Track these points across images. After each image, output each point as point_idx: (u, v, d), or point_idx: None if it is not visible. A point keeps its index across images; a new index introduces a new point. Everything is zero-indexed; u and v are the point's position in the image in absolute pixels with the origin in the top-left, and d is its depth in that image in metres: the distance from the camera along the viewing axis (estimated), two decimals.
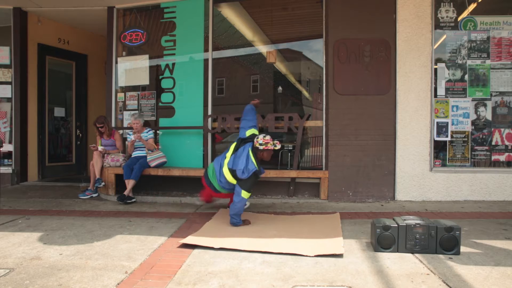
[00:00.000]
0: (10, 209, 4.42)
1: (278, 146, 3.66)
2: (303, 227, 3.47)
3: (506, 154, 4.89)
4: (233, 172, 3.59)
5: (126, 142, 5.52)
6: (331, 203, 4.71)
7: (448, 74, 4.90)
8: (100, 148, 5.25)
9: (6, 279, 2.34)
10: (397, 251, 2.77)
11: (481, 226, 3.53)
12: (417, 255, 2.73)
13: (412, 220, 2.82)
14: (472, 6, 4.89)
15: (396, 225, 2.78)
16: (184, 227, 3.58)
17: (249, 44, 6.19)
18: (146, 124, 5.61)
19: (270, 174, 4.89)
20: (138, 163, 4.95)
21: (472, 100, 4.88)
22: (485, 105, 4.88)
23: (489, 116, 4.89)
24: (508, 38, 4.87)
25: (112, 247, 2.96)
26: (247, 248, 2.88)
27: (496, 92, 4.89)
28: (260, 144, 3.60)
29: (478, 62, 4.89)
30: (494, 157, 4.89)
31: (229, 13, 5.93)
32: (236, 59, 6.23)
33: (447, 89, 4.90)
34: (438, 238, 2.73)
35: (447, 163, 4.89)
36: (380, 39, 4.80)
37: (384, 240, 2.78)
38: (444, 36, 4.91)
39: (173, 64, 5.68)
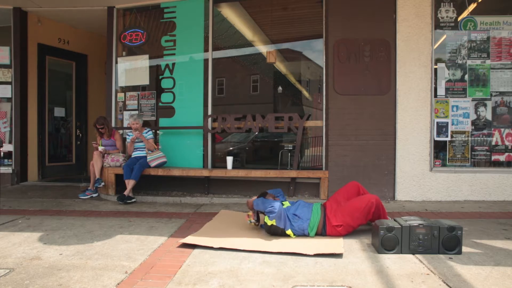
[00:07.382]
0: (10, 209, 4.42)
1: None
2: None
3: (506, 154, 4.89)
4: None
5: (126, 142, 5.52)
6: None
7: (448, 74, 4.90)
8: (100, 148, 5.26)
9: (6, 279, 2.34)
10: (401, 253, 2.74)
11: (481, 226, 3.53)
12: (417, 255, 2.72)
13: (414, 221, 2.80)
14: (472, 6, 4.89)
15: (400, 226, 2.75)
16: (184, 227, 3.58)
17: (249, 44, 6.19)
18: (146, 124, 5.61)
19: (270, 174, 4.90)
20: (138, 163, 4.95)
21: (472, 100, 4.88)
22: (485, 105, 4.88)
23: (489, 116, 4.89)
24: (508, 38, 4.87)
25: (112, 247, 2.96)
26: (247, 248, 2.88)
27: (496, 92, 4.88)
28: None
29: (478, 62, 4.88)
30: (494, 157, 4.89)
31: (229, 13, 5.93)
32: (236, 59, 6.23)
33: (447, 89, 4.89)
34: (441, 238, 2.71)
35: (447, 163, 4.89)
36: (380, 39, 4.80)
37: (387, 242, 2.74)
38: (444, 36, 4.91)
39: (173, 64, 5.68)
